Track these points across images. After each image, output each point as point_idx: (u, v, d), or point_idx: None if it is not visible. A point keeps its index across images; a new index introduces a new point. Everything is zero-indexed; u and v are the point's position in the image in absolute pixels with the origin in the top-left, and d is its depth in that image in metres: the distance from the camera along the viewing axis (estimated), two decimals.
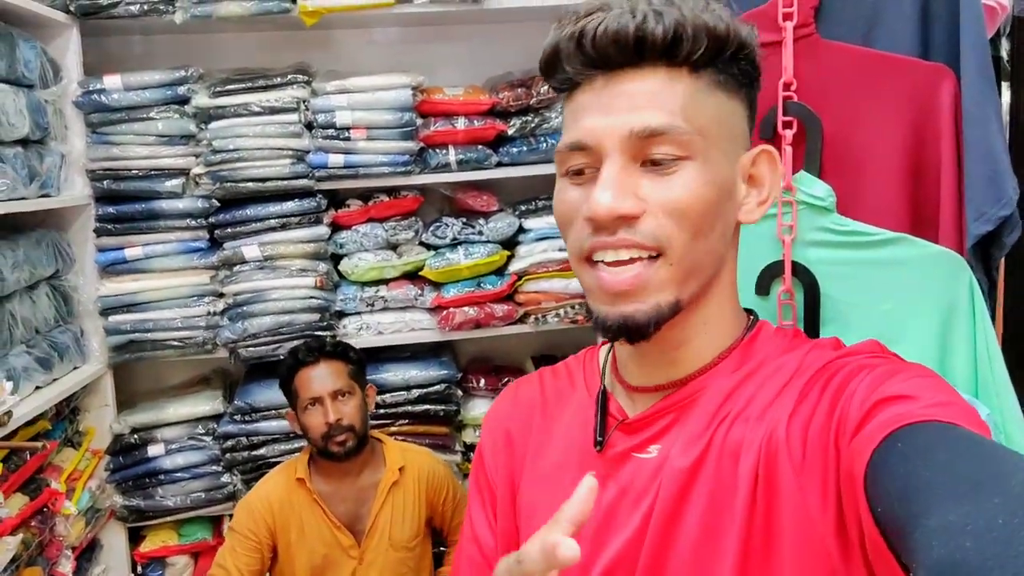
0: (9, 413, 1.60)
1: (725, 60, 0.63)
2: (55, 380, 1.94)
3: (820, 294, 1.07)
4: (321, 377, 1.84)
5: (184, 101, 2.10)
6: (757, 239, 1.08)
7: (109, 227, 2.12)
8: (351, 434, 1.83)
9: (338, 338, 2.17)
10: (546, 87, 2.24)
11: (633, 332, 0.63)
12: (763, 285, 1.10)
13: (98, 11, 2.02)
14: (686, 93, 0.62)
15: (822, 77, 1.05)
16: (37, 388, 1.85)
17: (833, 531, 0.56)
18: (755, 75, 0.67)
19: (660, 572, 0.64)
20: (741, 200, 0.67)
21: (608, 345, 0.78)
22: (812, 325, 1.08)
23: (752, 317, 0.74)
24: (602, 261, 0.63)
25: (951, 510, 0.40)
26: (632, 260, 0.62)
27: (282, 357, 1.99)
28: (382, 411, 2.26)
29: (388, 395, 2.26)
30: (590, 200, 0.62)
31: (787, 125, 1.06)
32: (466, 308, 2.23)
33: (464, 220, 2.28)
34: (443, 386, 2.29)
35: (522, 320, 2.30)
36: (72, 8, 2.01)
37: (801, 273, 1.08)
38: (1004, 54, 1.32)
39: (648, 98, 0.61)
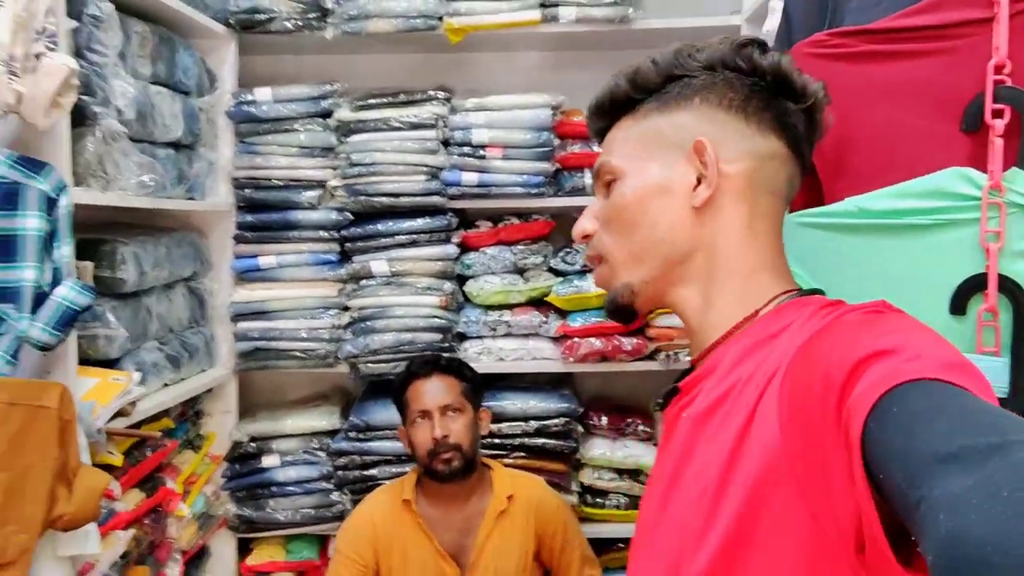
0: (134, 403, 1.61)
1: (655, 93, 0.76)
2: (182, 380, 1.96)
3: None
4: (432, 391, 1.78)
5: (327, 115, 2.14)
6: (953, 248, 0.92)
7: (247, 235, 2.16)
8: (457, 453, 1.74)
9: None
10: None
11: (615, 314, 0.80)
12: (959, 303, 0.94)
13: (256, 25, 2.09)
14: (624, 130, 0.78)
15: None
16: (165, 385, 1.87)
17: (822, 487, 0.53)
18: (693, 90, 0.75)
19: (664, 513, 0.69)
20: (689, 190, 0.74)
21: None
22: (1020, 352, 0.90)
23: (787, 292, 0.72)
24: None
25: (955, 482, 0.40)
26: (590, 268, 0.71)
27: None
28: (496, 441, 2.16)
29: (504, 424, 2.16)
30: None
31: (997, 114, 0.91)
32: (592, 339, 2.12)
33: None
34: (563, 420, 2.17)
35: (651, 357, 2.17)
36: (232, 21, 2.09)
37: (1009, 289, 0.91)
38: None
39: (604, 144, 0.81)
